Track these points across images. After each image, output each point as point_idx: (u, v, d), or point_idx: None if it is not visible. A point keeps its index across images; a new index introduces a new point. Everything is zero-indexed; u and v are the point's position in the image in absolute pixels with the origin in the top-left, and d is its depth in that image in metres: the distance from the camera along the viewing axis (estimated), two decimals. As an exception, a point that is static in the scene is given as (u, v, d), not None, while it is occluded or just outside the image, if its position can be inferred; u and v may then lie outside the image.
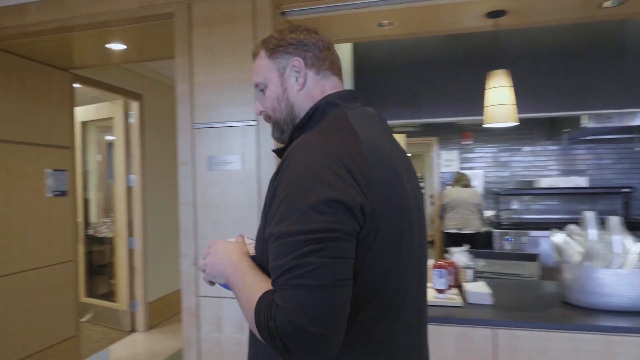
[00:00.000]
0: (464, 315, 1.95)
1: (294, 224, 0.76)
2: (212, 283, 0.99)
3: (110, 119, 4.52)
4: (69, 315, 3.41)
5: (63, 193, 3.36)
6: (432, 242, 6.67)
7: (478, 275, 2.44)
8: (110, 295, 4.77)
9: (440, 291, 2.13)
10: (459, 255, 2.41)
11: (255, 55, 1.05)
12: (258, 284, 0.83)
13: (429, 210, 7.34)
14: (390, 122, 4.34)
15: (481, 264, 2.51)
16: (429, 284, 2.05)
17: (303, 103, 1.00)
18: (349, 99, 0.99)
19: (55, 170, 3.29)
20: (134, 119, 4.42)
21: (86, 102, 4.65)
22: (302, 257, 0.74)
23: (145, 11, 2.37)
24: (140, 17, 2.40)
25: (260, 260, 0.90)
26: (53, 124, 3.29)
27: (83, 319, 4.59)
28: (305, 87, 1.00)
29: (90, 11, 2.44)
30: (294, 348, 0.73)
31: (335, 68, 1.03)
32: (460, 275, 2.32)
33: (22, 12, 2.54)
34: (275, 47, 1.01)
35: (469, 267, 2.34)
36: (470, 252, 2.47)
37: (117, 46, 2.88)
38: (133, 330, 4.41)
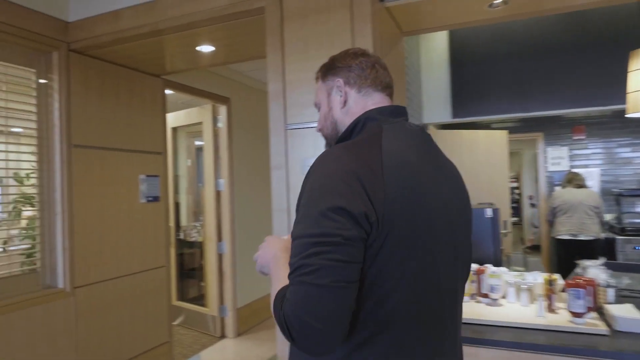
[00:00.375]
0: (614, 347, 1.59)
1: (306, 227, 0.85)
2: (263, 273, 1.06)
3: (199, 124, 4.55)
4: (162, 320, 3.41)
5: (155, 199, 3.37)
6: (533, 248, 6.08)
7: (620, 295, 2.04)
8: (200, 299, 4.81)
9: (577, 315, 1.78)
10: (595, 271, 2.03)
11: (316, 79, 1.15)
12: (285, 279, 0.89)
13: (528, 212, 6.72)
14: (489, 118, 3.96)
15: (626, 281, 2.10)
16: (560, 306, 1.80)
17: (345, 119, 1.07)
18: (389, 114, 1.04)
19: (148, 176, 3.31)
20: (222, 123, 4.40)
21: (176, 108, 4.73)
22: (307, 257, 0.82)
23: (235, 8, 2.25)
24: (229, 14, 2.28)
25: None
26: (146, 130, 3.31)
27: (174, 322, 4.65)
28: (347, 105, 1.07)
29: (180, 12, 2.37)
30: (298, 338, 0.81)
31: (378, 85, 1.07)
32: (600, 296, 1.94)
33: (118, 18, 2.53)
34: (326, 70, 1.11)
35: (610, 286, 1.95)
36: (607, 266, 2.08)
37: (206, 48, 2.81)
38: (223, 336, 4.39)
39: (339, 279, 0.81)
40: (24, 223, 2.95)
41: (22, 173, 2.80)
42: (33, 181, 2.67)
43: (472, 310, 2.00)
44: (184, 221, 5.40)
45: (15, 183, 2.80)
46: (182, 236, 5.18)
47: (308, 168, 2.21)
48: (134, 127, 3.21)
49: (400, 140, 0.96)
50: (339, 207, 0.83)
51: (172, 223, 4.28)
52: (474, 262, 2.47)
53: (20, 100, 2.59)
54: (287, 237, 1.06)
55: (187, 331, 4.60)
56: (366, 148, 0.92)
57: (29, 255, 2.72)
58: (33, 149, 2.66)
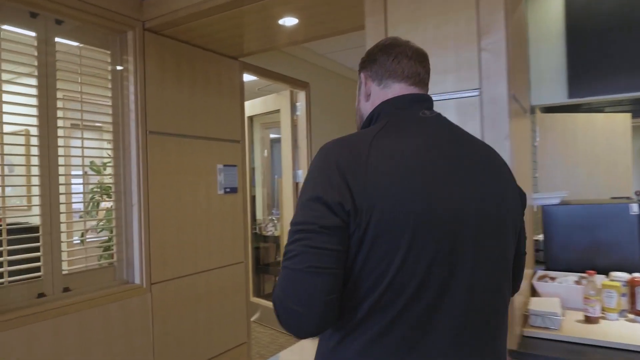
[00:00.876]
0: None
1: (294, 216, 0.90)
2: None
3: (275, 112, 4.31)
4: (241, 320, 3.20)
5: (233, 190, 3.15)
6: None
7: None
8: (277, 296, 4.59)
9: None
10: None
11: None
12: None
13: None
14: (605, 98, 3.36)
15: None
16: None
17: (367, 113, 1.09)
18: (403, 103, 1.03)
19: (226, 165, 3.09)
20: (300, 111, 4.13)
21: (251, 96, 4.53)
22: (290, 244, 0.88)
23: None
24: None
25: None
26: (223, 116, 3.09)
27: (252, 318, 4.47)
28: (370, 99, 1.09)
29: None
30: (281, 320, 0.87)
31: (399, 75, 1.05)
32: None
33: (194, -9, 2.30)
34: (360, 64, 1.13)
35: None
36: None
37: (289, 21, 2.52)
38: (301, 335, 4.14)
39: (313, 265, 0.84)
40: (101, 215, 2.83)
41: (99, 162, 2.67)
42: (109, 171, 2.51)
43: (624, 331, 1.56)
44: (259, 214, 5.23)
45: (92, 173, 2.67)
46: (257, 230, 5.00)
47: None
48: (211, 113, 2.99)
49: (400, 130, 0.96)
50: (316, 197, 0.87)
51: (248, 217, 4.08)
52: (614, 269, 2.00)
53: (96, 84, 2.44)
54: None
55: (263, 329, 4.40)
56: (360, 140, 0.93)
57: (107, 249, 2.58)
58: (109, 136, 2.50)
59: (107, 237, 2.54)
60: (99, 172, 2.67)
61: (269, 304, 4.49)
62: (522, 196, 1.07)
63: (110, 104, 2.48)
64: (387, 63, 1.06)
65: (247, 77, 3.53)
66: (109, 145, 2.50)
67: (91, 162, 2.61)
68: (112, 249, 2.49)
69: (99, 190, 2.74)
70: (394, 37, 1.11)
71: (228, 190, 3.09)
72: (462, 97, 1.59)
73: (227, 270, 3.08)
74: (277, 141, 6.20)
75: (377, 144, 0.90)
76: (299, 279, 0.84)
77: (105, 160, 2.56)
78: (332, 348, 0.91)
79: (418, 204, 0.86)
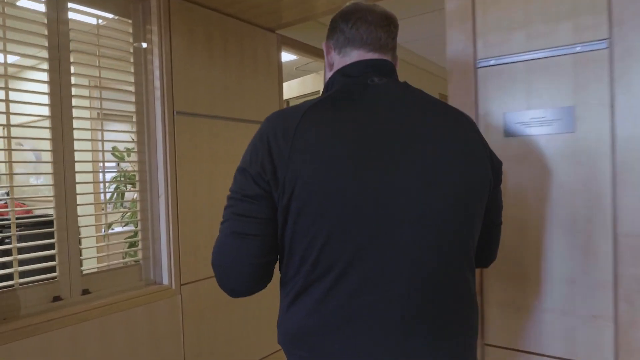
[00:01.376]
0: None
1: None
2: None
3: (316, 93, 3.95)
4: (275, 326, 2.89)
5: (271, 178, 2.82)
6: None
7: None
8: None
9: None
10: None
11: None
12: None
13: None
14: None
15: None
16: None
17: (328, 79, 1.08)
18: (353, 71, 1.00)
19: (263, 151, 2.76)
20: (341, 91, 3.77)
21: (287, 78, 4.17)
22: (224, 210, 0.95)
23: None
24: None
25: None
26: (260, 95, 2.76)
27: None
28: (333, 68, 1.07)
29: None
30: (217, 279, 0.95)
31: (357, 42, 1.01)
32: None
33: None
34: (327, 32, 1.10)
35: None
36: None
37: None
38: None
39: (237, 230, 0.90)
40: (126, 206, 2.55)
41: (122, 147, 2.38)
42: (134, 157, 2.22)
43: None
44: None
45: (115, 160, 2.39)
46: None
47: (514, 125, 1.40)
48: (247, 92, 2.66)
49: (339, 101, 0.93)
50: (241, 168, 0.93)
51: None
52: None
53: (117, 57, 2.14)
54: None
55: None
56: (295, 111, 0.92)
57: (131, 245, 2.30)
58: (132, 118, 2.20)
59: (132, 232, 2.26)
60: (122, 159, 2.39)
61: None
62: (495, 165, 0.99)
63: (132, 80, 2.18)
64: (345, 30, 1.03)
65: (285, 57, 3.17)
66: (133, 129, 2.20)
67: (113, 148, 2.33)
68: (137, 246, 2.20)
69: (122, 179, 2.45)
70: (356, 2, 1.06)
71: (265, 178, 2.77)
72: (580, 51, 1.19)
73: (265, 267, 2.76)
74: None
75: (310, 115, 0.90)
76: (227, 243, 0.92)
77: (129, 145, 2.27)
78: (287, 308, 0.94)
79: (344, 179, 0.84)
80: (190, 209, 2.30)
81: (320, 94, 1.02)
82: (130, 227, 2.30)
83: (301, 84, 4.10)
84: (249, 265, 0.90)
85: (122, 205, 2.56)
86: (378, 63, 1.00)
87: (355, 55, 1.02)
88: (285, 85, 4.10)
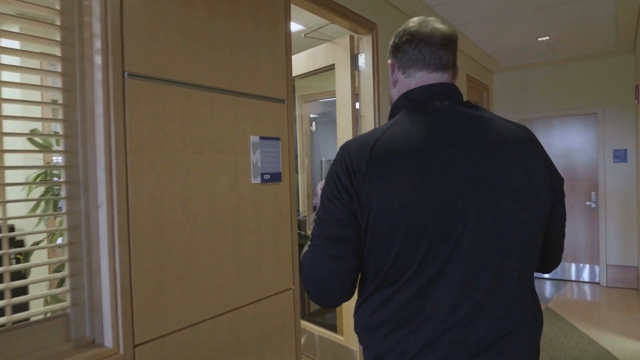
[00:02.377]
0: None
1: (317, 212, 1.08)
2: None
3: (328, 69, 3.13)
4: (287, 376, 2.08)
5: (275, 177, 2.01)
6: None
7: None
8: (330, 321, 3.48)
9: None
10: None
11: None
12: None
13: None
14: None
15: None
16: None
17: (394, 100, 1.16)
18: (417, 95, 1.08)
19: (264, 138, 1.94)
20: (365, 63, 2.94)
21: (296, 50, 3.34)
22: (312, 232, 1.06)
23: None
24: None
25: None
26: (261, 63, 1.94)
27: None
28: (397, 86, 1.14)
29: None
30: (310, 292, 1.05)
31: (421, 64, 1.09)
32: None
33: None
34: (389, 50, 1.17)
35: None
36: None
37: None
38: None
39: (333, 253, 1.00)
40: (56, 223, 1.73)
41: (47, 131, 1.56)
42: (61, 145, 1.40)
43: None
44: (301, 209, 4.09)
45: (36, 150, 1.57)
46: (300, 230, 3.86)
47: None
48: (242, 53, 1.84)
49: (406, 125, 1.02)
50: (331, 194, 1.02)
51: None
52: None
53: (28, -18, 1.32)
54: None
55: (312, 364, 3.29)
56: (369, 138, 1.02)
57: (60, 283, 1.49)
58: (56, 80, 1.38)
59: (57, 264, 1.45)
60: (48, 147, 1.57)
61: (318, 330, 3.37)
62: (555, 186, 1.07)
63: (57, 22, 1.36)
64: (409, 51, 1.09)
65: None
66: (59, 101, 1.38)
67: (31, 131, 1.50)
68: (64, 285, 1.39)
69: (48, 178, 1.63)
70: (420, 20, 1.11)
71: (267, 177, 1.95)
72: None
73: (269, 303, 1.95)
74: (321, 117, 5.06)
75: (382, 141, 1.00)
76: (324, 265, 1.01)
77: (56, 128, 1.45)
78: (356, 309, 1.09)
79: (410, 197, 0.94)
80: (151, 226, 1.48)
81: (388, 115, 1.14)
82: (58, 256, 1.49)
83: (310, 58, 3.27)
84: (347, 281, 1.02)
85: (51, 222, 1.74)
86: (439, 88, 1.08)
87: (419, 76, 1.10)
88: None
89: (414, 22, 1.11)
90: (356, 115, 2.94)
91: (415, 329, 0.97)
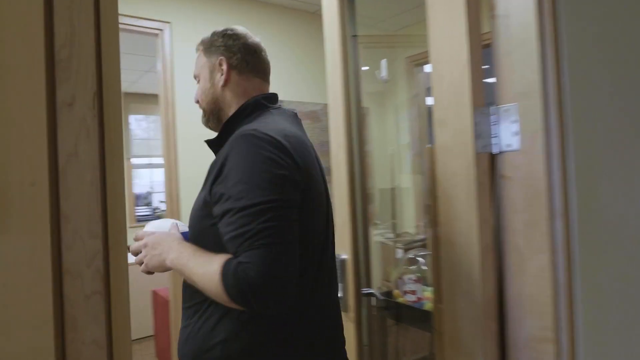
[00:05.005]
0: None
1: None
2: (150, 273, 1.08)
3: None
4: None
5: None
6: None
7: None
8: None
9: None
10: None
11: (197, 50, 1.27)
12: (209, 257, 0.95)
13: None
14: None
15: None
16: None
17: (227, 98, 1.20)
18: (271, 101, 1.20)
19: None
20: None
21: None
22: (253, 219, 0.94)
23: None
24: None
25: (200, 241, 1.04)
26: None
27: None
28: (228, 85, 1.19)
29: None
30: (257, 299, 0.87)
31: (257, 71, 1.22)
32: None
33: None
34: (209, 45, 1.22)
35: None
36: None
37: None
38: None
39: (288, 237, 0.95)
40: None
41: None
42: None
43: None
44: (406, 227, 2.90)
45: None
46: (379, 290, 2.60)
47: None
48: None
49: (287, 122, 1.12)
50: (282, 175, 0.98)
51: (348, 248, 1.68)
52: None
53: None
54: (182, 226, 1.12)
55: None
56: (277, 131, 1.02)
57: None
58: None
59: None
60: None
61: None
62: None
63: None
64: (247, 56, 1.20)
65: None
66: None
67: None
68: None
69: None
70: (242, 30, 1.23)
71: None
72: None
73: None
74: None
75: (289, 135, 1.04)
76: (290, 251, 0.93)
77: None
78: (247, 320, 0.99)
79: (320, 182, 1.11)
80: None
81: (214, 104, 1.22)
82: None
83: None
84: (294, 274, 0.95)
85: None
86: (277, 97, 1.24)
87: (256, 82, 1.22)
88: None
89: (239, 29, 1.23)
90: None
91: None
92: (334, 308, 1.12)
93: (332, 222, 1.15)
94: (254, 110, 1.15)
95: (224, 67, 1.18)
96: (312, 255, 1.01)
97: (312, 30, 3.53)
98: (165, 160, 2.85)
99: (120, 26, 2.72)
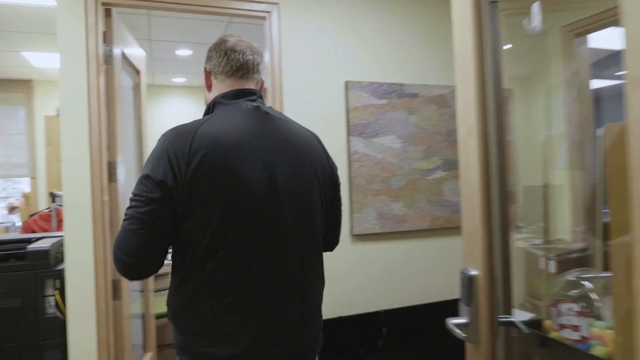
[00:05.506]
0: None
1: (134, 188, 1.23)
2: None
3: None
4: None
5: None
6: None
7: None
8: None
9: None
10: None
11: None
12: None
13: None
14: None
15: None
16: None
17: (208, 101, 1.41)
18: (231, 97, 1.35)
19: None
20: None
21: None
22: (127, 209, 1.20)
23: None
24: None
25: None
26: None
27: None
28: (212, 90, 1.41)
29: None
30: (117, 268, 1.22)
31: (229, 71, 1.38)
32: None
33: None
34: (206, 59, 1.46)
35: None
36: None
37: None
38: None
39: (140, 227, 1.17)
40: None
41: None
42: None
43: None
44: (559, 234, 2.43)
45: None
46: (522, 310, 2.11)
47: None
48: None
49: (229, 118, 1.29)
50: (146, 175, 1.20)
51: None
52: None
53: None
54: None
55: None
56: (189, 129, 1.24)
57: None
58: None
59: None
60: None
61: None
62: (333, 171, 1.44)
63: None
64: (219, 59, 1.38)
65: None
66: None
67: None
68: None
69: None
70: (225, 36, 1.42)
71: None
72: None
73: None
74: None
75: (201, 132, 1.23)
76: (129, 237, 1.18)
77: None
78: (176, 286, 1.25)
79: (225, 181, 1.20)
80: None
81: (206, 107, 1.41)
82: None
83: None
84: (152, 255, 1.20)
85: None
86: (247, 92, 1.38)
87: (229, 82, 1.40)
88: None
89: (219, 38, 1.44)
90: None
91: None
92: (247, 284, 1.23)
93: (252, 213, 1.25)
94: (213, 108, 1.35)
95: (205, 74, 1.43)
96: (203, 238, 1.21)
97: (435, 2, 3.15)
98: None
99: (225, 10, 2.66)
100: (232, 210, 1.20)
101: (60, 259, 2.82)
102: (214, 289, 1.20)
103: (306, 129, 1.41)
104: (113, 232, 2.48)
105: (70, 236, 2.34)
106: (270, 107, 1.38)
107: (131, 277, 1.21)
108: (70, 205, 2.35)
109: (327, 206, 1.40)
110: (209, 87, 1.42)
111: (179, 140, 1.21)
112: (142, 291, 3.15)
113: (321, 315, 1.39)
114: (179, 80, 6.70)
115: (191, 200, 1.17)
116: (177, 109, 7.05)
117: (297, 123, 1.41)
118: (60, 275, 2.66)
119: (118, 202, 2.56)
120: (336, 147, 2.89)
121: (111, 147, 2.51)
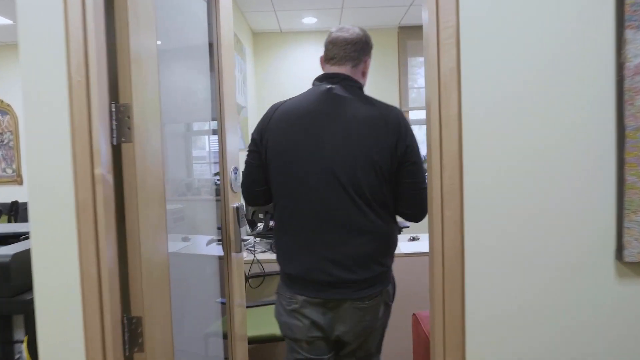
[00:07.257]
0: None
1: None
2: None
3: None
4: None
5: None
6: None
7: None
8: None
9: None
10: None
11: None
12: None
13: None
14: None
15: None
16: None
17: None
18: (318, 80, 1.80)
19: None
20: None
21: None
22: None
23: None
24: None
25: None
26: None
27: None
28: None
29: None
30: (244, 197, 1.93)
31: (329, 59, 1.80)
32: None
33: None
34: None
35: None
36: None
37: None
38: None
39: (245, 166, 1.84)
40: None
41: None
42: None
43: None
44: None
45: None
46: None
47: None
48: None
49: (301, 98, 1.76)
50: (252, 136, 1.82)
51: None
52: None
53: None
54: None
55: None
56: (279, 104, 1.78)
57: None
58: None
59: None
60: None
61: None
62: (399, 148, 1.67)
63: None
64: (325, 48, 1.80)
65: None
66: None
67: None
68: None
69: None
70: (332, 30, 1.80)
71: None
72: None
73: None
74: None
75: (282, 107, 1.76)
76: (244, 177, 1.85)
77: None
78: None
79: (284, 144, 1.70)
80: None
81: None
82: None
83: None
84: (257, 185, 1.84)
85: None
86: (331, 75, 1.78)
87: (327, 68, 1.82)
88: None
89: (339, 27, 1.84)
90: None
91: None
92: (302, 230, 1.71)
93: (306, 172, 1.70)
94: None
95: (321, 61, 1.87)
96: (277, 187, 1.76)
97: None
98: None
99: None
100: (287, 167, 1.68)
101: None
102: (281, 227, 1.75)
103: (380, 109, 1.70)
104: (125, 231, 1.31)
105: (38, 243, 1.22)
106: (349, 88, 1.74)
107: (247, 201, 1.90)
108: (36, 188, 1.22)
109: (388, 177, 1.67)
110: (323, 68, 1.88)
111: (269, 111, 1.78)
112: (223, 303, 1.99)
113: (372, 264, 1.68)
114: (310, 21, 5.47)
115: (266, 156, 1.74)
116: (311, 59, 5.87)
117: (372, 104, 1.71)
118: (29, 310, 1.60)
119: (146, 179, 1.37)
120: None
121: (122, 78, 1.31)
